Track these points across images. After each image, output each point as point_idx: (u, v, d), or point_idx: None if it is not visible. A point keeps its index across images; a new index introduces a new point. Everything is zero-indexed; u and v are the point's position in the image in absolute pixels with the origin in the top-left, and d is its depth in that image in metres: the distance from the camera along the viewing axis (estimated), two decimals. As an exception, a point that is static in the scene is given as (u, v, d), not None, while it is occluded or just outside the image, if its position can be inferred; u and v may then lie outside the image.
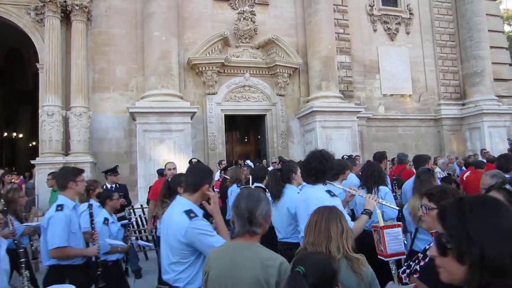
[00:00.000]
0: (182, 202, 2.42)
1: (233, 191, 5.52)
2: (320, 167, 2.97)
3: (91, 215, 3.56)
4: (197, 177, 2.52)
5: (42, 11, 9.46)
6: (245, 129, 13.11)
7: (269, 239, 3.04)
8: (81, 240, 3.31)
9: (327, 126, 10.75)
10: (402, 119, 13.17)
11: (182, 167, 8.36)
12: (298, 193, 3.51)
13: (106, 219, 3.90)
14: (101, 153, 10.02)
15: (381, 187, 3.84)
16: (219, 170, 8.43)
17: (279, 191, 3.69)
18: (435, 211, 1.85)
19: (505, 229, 0.94)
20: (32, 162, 9.33)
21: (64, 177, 3.28)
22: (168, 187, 3.27)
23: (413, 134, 13.32)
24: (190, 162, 6.79)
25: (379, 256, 2.35)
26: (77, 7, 9.58)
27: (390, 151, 12.12)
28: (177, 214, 2.33)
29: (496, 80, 14.11)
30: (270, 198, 3.33)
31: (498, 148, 12.40)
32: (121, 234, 4.14)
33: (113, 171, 6.55)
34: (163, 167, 7.16)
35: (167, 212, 2.55)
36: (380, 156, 5.83)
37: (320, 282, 1.48)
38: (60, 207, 3.09)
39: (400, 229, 2.23)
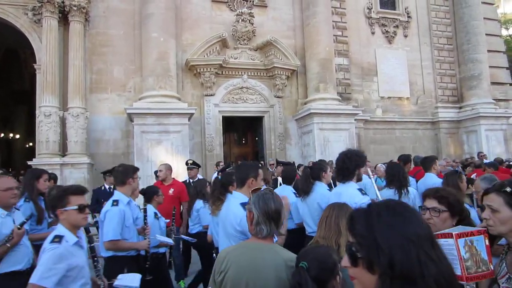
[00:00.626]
0: (237, 196, 2.82)
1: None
2: (344, 166, 3.23)
3: (145, 211, 3.76)
4: (242, 172, 2.91)
5: (40, 12, 9.43)
6: (243, 131, 13.09)
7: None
8: (135, 233, 3.49)
9: (324, 128, 10.76)
10: (399, 122, 13.20)
11: (179, 169, 8.42)
12: (329, 190, 3.82)
13: (155, 214, 4.10)
14: (98, 154, 9.98)
15: (410, 189, 3.98)
16: (216, 172, 8.42)
17: (308, 188, 3.87)
18: (446, 213, 1.91)
19: (413, 235, 0.89)
20: (29, 163, 9.26)
21: (124, 174, 3.53)
22: (221, 185, 3.59)
23: (410, 136, 13.36)
24: (186, 163, 6.79)
25: None
26: (75, 8, 9.55)
27: (387, 153, 12.20)
28: (234, 206, 2.68)
29: (493, 83, 14.18)
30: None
31: (495, 151, 12.47)
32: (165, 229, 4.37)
33: (111, 172, 6.54)
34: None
35: (225, 206, 2.91)
36: (406, 159, 6.10)
37: (321, 274, 1.60)
38: (115, 202, 3.34)
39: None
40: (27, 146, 18.65)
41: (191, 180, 6.76)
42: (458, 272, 1.46)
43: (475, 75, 13.50)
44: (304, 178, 4.02)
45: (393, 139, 13.10)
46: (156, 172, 7.07)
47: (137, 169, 3.71)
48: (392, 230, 0.90)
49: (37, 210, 3.71)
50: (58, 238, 2.24)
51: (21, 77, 17.51)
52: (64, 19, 9.75)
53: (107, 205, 3.37)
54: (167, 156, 9.10)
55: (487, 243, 1.49)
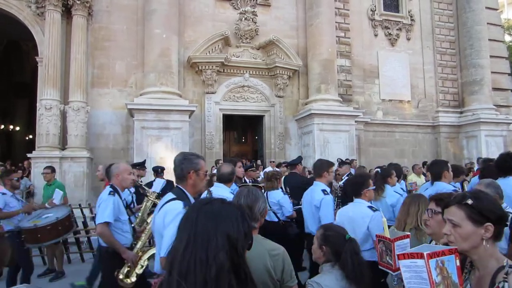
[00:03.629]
0: (442, 184, 3.74)
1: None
2: (505, 164, 3.92)
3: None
4: (438, 167, 3.94)
5: (43, 5, 9.42)
6: (243, 129, 13.11)
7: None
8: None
9: (324, 129, 10.76)
10: (399, 125, 13.20)
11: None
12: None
13: None
14: (97, 148, 10.00)
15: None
16: (216, 170, 8.43)
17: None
18: (440, 215, 1.87)
19: (194, 233, 1.09)
20: (29, 155, 9.30)
21: (321, 168, 4.26)
22: (382, 178, 4.47)
23: (410, 140, 13.36)
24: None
25: (382, 268, 2.25)
26: (78, 2, 9.55)
27: (387, 156, 12.21)
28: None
29: (494, 89, 14.16)
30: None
31: (494, 157, 12.42)
32: None
33: (142, 165, 6.58)
34: (160, 165, 7.17)
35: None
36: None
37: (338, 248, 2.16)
38: (326, 192, 4.08)
39: (408, 240, 2.16)
40: (27, 138, 18.63)
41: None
42: None
43: (477, 80, 13.48)
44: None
45: (393, 142, 13.10)
46: (154, 168, 7.08)
47: (333, 164, 4.45)
48: (188, 224, 1.11)
49: None
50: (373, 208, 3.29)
51: (23, 69, 17.49)
52: (67, 12, 9.76)
53: (319, 194, 4.05)
54: (166, 152, 9.11)
55: (458, 264, 1.36)
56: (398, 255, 1.46)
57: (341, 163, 7.59)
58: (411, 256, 1.40)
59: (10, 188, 4.97)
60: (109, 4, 10.44)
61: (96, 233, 3.35)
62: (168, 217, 2.21)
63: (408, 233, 2.27)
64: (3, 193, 4.76)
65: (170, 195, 2.38)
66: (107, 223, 3.28)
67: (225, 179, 3.65)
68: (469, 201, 1.46)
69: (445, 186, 3.75)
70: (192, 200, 2.41)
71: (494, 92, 14.14)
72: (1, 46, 15.89)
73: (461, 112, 13.81)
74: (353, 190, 3.51)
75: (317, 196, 4.04)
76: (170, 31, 9.91)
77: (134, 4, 10.57)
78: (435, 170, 4.00)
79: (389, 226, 2.40)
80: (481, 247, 1.43)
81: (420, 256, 1.35)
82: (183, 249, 1.06)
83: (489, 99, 13.58)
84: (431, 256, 1.34)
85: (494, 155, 12.54)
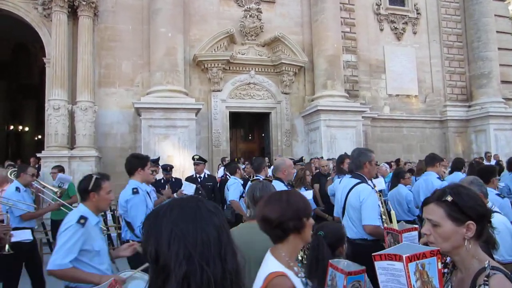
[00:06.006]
0: None
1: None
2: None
3: None
4: None
5: (50, 6, 9.49)
6: (249, 127, 13.10)
7: None
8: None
9: (331, 125, 10.73)
10: (407, 120, 13.10)
11: (186, 163, 8.49)
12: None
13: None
14: (105, 147, 10.08)
15: None
16: (223, 167, 8.46)
17: None
18: None
19: (178, 232, 0.94)
20: (38, 155, 9.42)
21: (434, 158, 4.83)
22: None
23: (418, 135, 13.25)
24: (193, 158, 6.84)
25: None
26: (84, 3, 9.61)
27: (395, 151, 12.15)
28: None
29: (503, 82, 13.98)
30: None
31: (504, 151, 12.32)
32: None
33: (156, 162, 6.64)
34: (167, 163, 7.22)
35: None
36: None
37: (333, 242, 2.11)
38: (441, 179, 4.62)
39: (416, 232, 2.09)
40: (36, 138, 18.86)
41: (198, 175, 6.78)
42: None
43: (485, 73, 13.33)
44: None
45: (400, 137, 13.01)
46: (162, 166, 7.13)
47: (441, 159, 4.97)
48: (169, 226, 0.95)
49: None
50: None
51: (31, 70, 17.68)
52: (73, 13, 9.82)
53: (437, 181, 4.50)
54: (174, 150, 9.16)
55: (439, 266, 1.24)
56: (374, 255, 1.30)
57: None
58: (389, 257, 1.25)
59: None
60: (115, 4, 10.49)
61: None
62: (363, 195, 3.11)
63: (417, 225, 2.24)
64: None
65: (354, 181, 3.23)
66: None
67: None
68: (449, 198, 1.35)
69: None
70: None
71: (503, 85, 13.97)
72: (9, 48, 16.06)
73: (469, 106, 13.67)
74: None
75: (436, 183, 4.51)
76: (175, 30, 9.94)
77: (139, 4, 10.61)
78: None
79: None
80: (463, 247, 1.33)
81: (398, 258, 1.22)
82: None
83: (498, 92, 13.42)
84: (410, 259, 1.21)
85: (504, 149, 12.47)
